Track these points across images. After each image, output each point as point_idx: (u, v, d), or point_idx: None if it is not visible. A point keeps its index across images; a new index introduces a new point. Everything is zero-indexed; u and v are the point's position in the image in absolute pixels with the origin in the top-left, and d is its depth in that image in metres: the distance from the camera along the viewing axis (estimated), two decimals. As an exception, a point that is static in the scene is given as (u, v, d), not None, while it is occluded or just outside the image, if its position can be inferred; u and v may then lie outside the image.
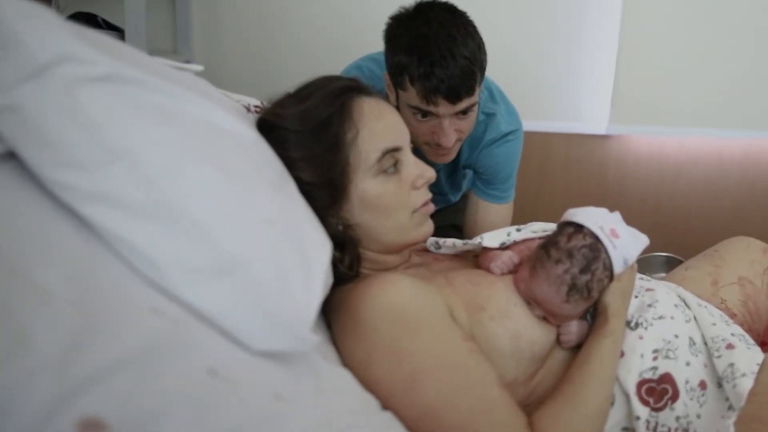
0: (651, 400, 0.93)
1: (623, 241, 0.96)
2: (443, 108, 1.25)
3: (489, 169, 1.56)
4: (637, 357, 0.96)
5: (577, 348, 0.98)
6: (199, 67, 0.93)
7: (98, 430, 0.49)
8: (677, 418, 0.93)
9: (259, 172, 0.80)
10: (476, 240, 1.07)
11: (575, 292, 0.94)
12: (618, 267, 0.96)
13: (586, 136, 2.36)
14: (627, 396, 0.94)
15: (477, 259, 1.11)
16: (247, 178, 0.76)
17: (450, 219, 1.87)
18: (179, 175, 0.67)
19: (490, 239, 1.07)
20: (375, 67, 1.49)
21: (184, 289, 0.66)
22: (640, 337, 0.98)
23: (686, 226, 2.36)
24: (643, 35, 2.23)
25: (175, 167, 0.67)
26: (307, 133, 0.94)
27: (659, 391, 0.94)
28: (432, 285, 0.96)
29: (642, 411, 0.92)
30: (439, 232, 1.12)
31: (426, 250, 1.14)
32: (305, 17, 2.30)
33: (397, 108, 1.17)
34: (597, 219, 0.97)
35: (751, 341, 1.07)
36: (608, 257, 0.95)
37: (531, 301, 0.96)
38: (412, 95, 1.25)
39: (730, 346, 0.99)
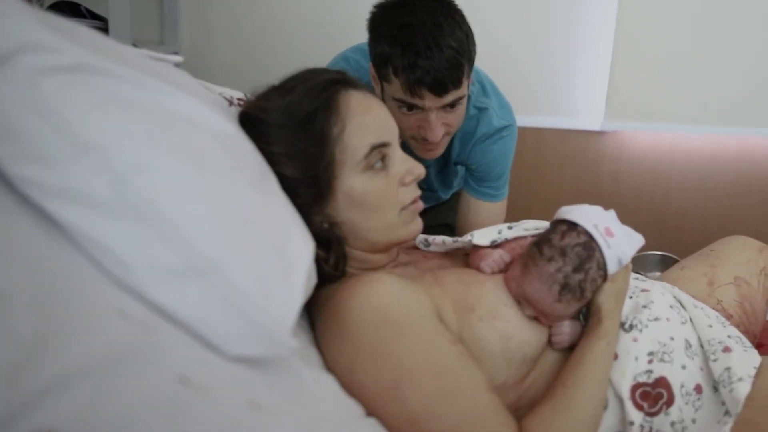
0: (645, 405, 0.92)
1: (618, 240, 0.95)
2: (429, 101, 1.22)
3: (481, 167, 1.53)
4: (631, 360, 0.94)
5: (570, 349, 0.97)
6: (178, 58, 0.89)
7: (54, 445, 0.45)
8: (672, 424, 0.91)
9: (237, 167, 0.77)
10: (466, 237, 1.05)
11: (568, 291, 0.92)
12: (612, 267, 0.94)
13: (580, 132, 2.36)
14: (621, 400, 0.92)
15: (467, 257, 1.09)
16: (224, 174, 0.73)
17: (442, 218, 1.84)
18: (150, 171, 0.64)
19: (480, 237, 1.05)
20: (362, 58, 1.46)
21: (154, 290, 0.63)
22: (635, 340, 0.96)
23: (681, 224, 2.37)
24: (638, 31, 2.22)
25: (145, 162, 0.64)
26: (291, 128, 0.92)
27: (654, 395, 0.92)
28: (420, 285, 0.93)
29: (636, 416, 0.91)
30: (430, 231, 1.10)
31: (415, 248, 1.13)
32: (295, 6, 2.27)
33: (383, 101, 1.13)
34: (591, 217, 0.96)
35: (748, 343, 1.05)
36: (602, 256, 0.94)
37: (522, 301, 0.95)
38: (396, 87, 1.22)
39: (726, 349, 0.98)
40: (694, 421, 0.92)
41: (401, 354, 0.83)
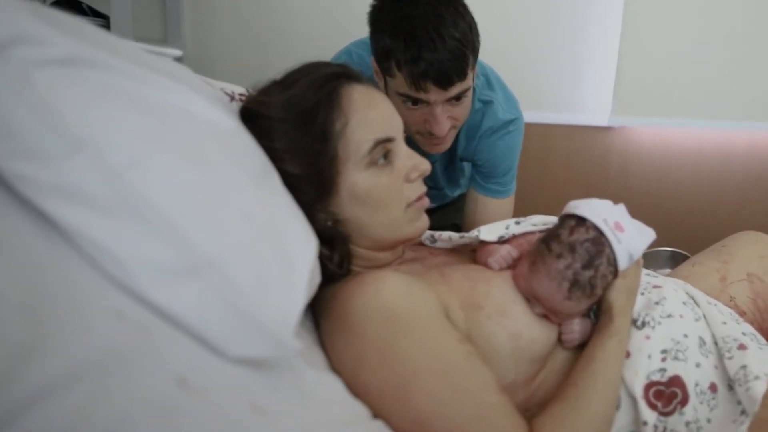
0: (659, 404, 0.90)
1: (628, 235, 0.93)
2: (434, 94, 1.20)
3: (488, 162, 1.51)
4: (644, 358, 0.92)
5: (580, 348, 0.95)
6: (178, 52, 0.88)
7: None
8: (687, 423, 0.89)
9: (237, 163, 0.75)
10: (473, 233, 1.03)
11: (577, 288, 0.90)
12: (623, 262, 0.93)
13: (587, 128, 2.34)
14: (633, 399, 0.90)
15: (474, 253, 1.07)
16: (223, 170, 0.71)
17: (450, 218, 1.83)
18: (147, 166, 0.62)
19: (487, 232, 1.03)
20: (365, 52, 1.44)
21: (152, 290, 0.60)
22: (647, 337, 0.94)
23: (690, 220, 2.35)
24: (646, 24, 2.21)
25: (142, 158, 0.62)
26: (293, 123, 0.90)
27: (668, 394, 0.90)
28: (426, 282, 0.92)
29: (649, 415, 0.89)
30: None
31: (421, 244, 1.11)
32: (299, 4, 2.25)
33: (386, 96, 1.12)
34: (600, 211, 0.94)
35: (763, 341, 1.03)
36: (612, 252, 0.92)
37: (531, 298, 0.93)
38: (400, 82, 1.21)
39: (741, 347, 0.96)
40: (709, 421, 0.90)
41: (408, 354, 0.81)
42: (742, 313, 1.14)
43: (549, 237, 0.94)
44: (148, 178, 0.62)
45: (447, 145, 1.36)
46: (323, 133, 0.89)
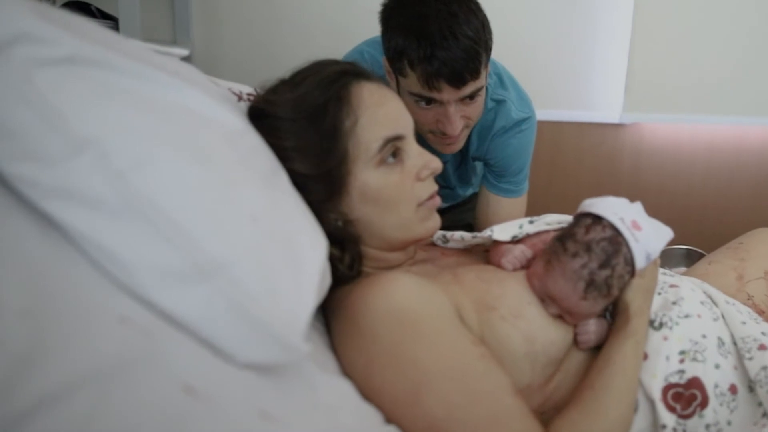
0: (678, 407, 0.88)
1: (645, 234, 0.91)
2: (447, 93, 1.19)
3: (500, 162, 1.49)
4: (662, 359, 0.90)
5: (596, 349, 0.93)
6: (185, 52, 0.86)
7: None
8: (707, 426, 0.87)
9: (244, 163, 0.74)
10: (486, 233, 1.02)
11: (594, 288, 0.89)
12: (640, 262, 0.91)
13: (598, 125, 2.32)
14: (652, 402, 0.88)
15: (487, 254, 1.05)
16: (231, 171, 0.69)
17: (462, 218, 1.81)
18: (152, 167, 0.60)
19: (500, 232, 1.02)
20: (377, 51, 1.43)
21: (157, 293, 0.59)
22: (665, 338, 0.93)
23: (704, 217, 2.33)
24: (657, 20, 2.19)
25: (147, 158, 0.60)
26: (302, 122, 0.88)
27: (687, 396, 0.88)
28: (438, 283, 0.90)
29: (668, 418, 0.87)
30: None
31: (433, 245, 1.10)
32: (308, 4, 2.24)
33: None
34: (617, 210, 0.92)
35: (783, 341, 1.00)
36: (629, 251, 0.90)
37: (546, 299, 0.91)
38: (412, 81, 1.19)
39: (762, 347, 0.93)
40: (729, 423, 0.88)
41: (421, 357, 0.79)
42: (760, 312, 1.12)
43: (564, 236, 0.92)
44: (154, 180, 0.60)
45: (460, 145, 1.35)
46: (333, 132, 0.88)
